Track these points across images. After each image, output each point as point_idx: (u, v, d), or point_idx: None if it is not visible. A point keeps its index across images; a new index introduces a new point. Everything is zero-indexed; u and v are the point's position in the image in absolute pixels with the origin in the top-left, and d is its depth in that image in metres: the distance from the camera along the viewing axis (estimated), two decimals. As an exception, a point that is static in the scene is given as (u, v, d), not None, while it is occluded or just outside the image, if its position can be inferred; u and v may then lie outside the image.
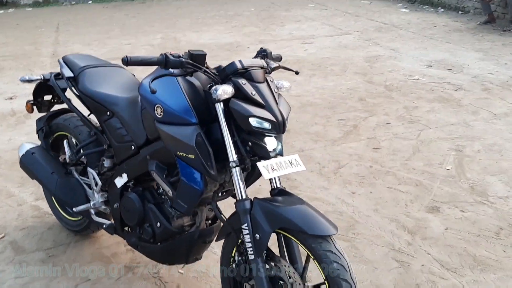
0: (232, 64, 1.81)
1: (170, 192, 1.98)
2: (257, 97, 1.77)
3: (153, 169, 2.03)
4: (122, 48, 7.29)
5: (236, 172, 1.80)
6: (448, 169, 3.45)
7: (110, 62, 2.69)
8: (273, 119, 1.76)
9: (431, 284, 2.33)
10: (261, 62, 1.90)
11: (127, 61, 1.73)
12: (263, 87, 1.82)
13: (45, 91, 2.76)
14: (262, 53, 2.04)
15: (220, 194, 2.07)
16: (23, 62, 6.64)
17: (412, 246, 2.62)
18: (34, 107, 2.77)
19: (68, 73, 2.42)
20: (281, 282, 1.79)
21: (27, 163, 2.57)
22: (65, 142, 2.51)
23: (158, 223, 2.09)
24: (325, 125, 4.30)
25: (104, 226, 2.34)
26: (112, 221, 2.36)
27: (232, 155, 1.79)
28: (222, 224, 1.97)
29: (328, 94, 5.06)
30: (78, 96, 2.40)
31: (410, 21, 8.53)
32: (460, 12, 9.00)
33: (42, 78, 2.64)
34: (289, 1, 11.05)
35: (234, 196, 2.10)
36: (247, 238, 1.77)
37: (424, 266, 2.45)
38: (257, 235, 1.75)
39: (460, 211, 2.93)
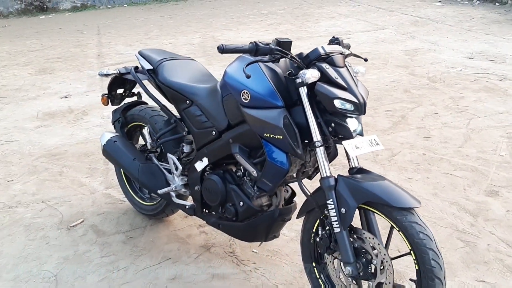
0: (315, 50, 1.94)
1: (255, 172, 2.12)
2: (340, 81, 1.90)
3: (237, 151, 2.17)
4: (163, 48, 7.48)
5: (320, 151, 1.93)
6: (503, 156, 3.51)
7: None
8: (356, 100, 1.89)
9: (499, 262, 2.42)
10: (340, 48, 2.03)
11: (222, 49, 1.88)
12: (344, 71, 1.94)
13: (118, 85, 2.94)
14: (335, 41, 2.16)
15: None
16: (72, 64, 6.91)
17: (475, 227, 2.71)
18: (109, 100, 2.96)
19: (147, 65, 2.59)
20: (366, 253, 1.92)
21: (110, 150, 2.76)
22: (145, 130, 2.69)
23: (241, 202, 2.23)
24: (373, 116, 4.40)
25: (187, 207, 2.51)
26: (193, 202, 2.52)
27: (316, 135, 1.92)
28: (304, 201, 2.10)
29: (372, 86, 5.15)
30: (157, 87, 2.57)
31: (446, 14, 8.52)
32: (497, 4, 8.94)
33: (118, 72, 2.82)
34: (321, -1, 11.14)
35: (309, 178, 2.25)
36: (333, 213, 1.90)
37: (490, 246, 2.54)
38: (342, 209, 1.88)
39: (520, 195, 2.99)
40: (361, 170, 2.02)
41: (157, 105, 2.80)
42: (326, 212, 1.99)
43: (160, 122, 2.72)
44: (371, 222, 1.99)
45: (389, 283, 1.88)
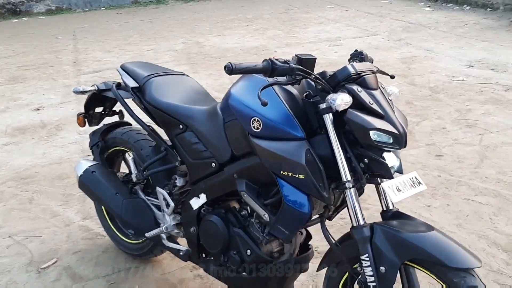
0: (345, 69, 1.57)
1: (267, 216, 1.73)
2: (375, 106, 1.54)
3: (243, 189, 1.78)
4: (144, 54, 7.06)
5: (351, 193, 1.56)
6: (525, 177, 3.19)
7: (171, 69, 2.46)
8: (395, 131, 1.52)
9: (547, 311, 2.08)
10: (371, 65, 1.66)
11: (232, 69, 1.49)
12: (378, 94, 1.58)
13: (96, 103, 2.53)
14: (360, 55, 1.78)
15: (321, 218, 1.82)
16: (46, 72, 6.42)
17: (511, 266, 2.36)
18: (86, 120, 2.54)
19: (132, 82, 2.19)
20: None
21: (88, 183, 2.34)
22: (130, 158, 2.27)
23: (248, 250, 1.84)
24: (377, 131, 4.05)
25: (181, 252, 2.09)
26: (187, 247, 2.11)
27: (346, 174, 1.55)
28: (329, 249, 1.72)
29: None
30: (144, 108, 2.16)
31: (438, 20, 8.27)
32: (488, 9, 8.73)
33: (97, 88, 2.40)
34: (307, 3, 10.81)
35: (329, 218, 1.87)
36: (369, 271, 1.53)
37: (532, 290, 2.20)
38: (382, 268, 1.51)
39: (553, 225, 2.67)
40: (398, 215, 1.65)
41: (136, 127, 2.42)
42: (358, 268, 1.61)
43: (147, 148, 2.31)
44: (411, 277, 1.62)
45: None
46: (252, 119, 1.66)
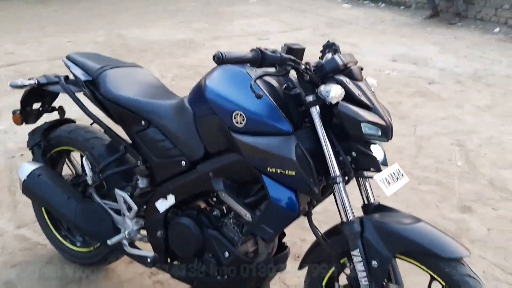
0: (333, 60, 1.53)
1: (248, 215, 1.64)
2: (363, 98, 1.51)
3: (221, 188, 1.68)
4: (63, 47, 6.57)
5: (340, 188, 1.52)
6: (459, 165, 3.38)
7: (118, 59, 2.28)
8: (383, 123, 1.51)
9: (501, 291, 2.20)
10: (353, 57, 1.64)
11: (222, 59, 1.39)
12: (364, 86, 1.56)
13: (34, 99, 2.28)
14: (332, 47, 1.75)
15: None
16: (-51, 65, 5.76)
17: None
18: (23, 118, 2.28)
19: (83, 75, 1.98)
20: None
21: (34, 187, 2.09)
22: (84, 159, 2.05)
23: (226, 252, 1.74)
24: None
25: (148, 259, 1.94)
26: (152, 252, 1.96)
27: (335, 169, 1.51)
28: (313, 247, 1.67)
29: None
30: (98, 103, 1.98)
31: (358, 16, 8.58)
32: (402, 7, 9.22)
33: (36, 82, 2.16)
34: (229, -4, 10.74)
35: (306, 214, 1.82)
36: (360, 267, 1.51)
37: (486, 273, 2.32)
38: (374, 262, 1.49)
39: (492, 209, 2.85)
40: (380, 208, 1.64)
41: (90, 125, 2.22)
42: (348, 264, 1.58)
43: (99, 147, 2.12)
44: (396, 271, 1.62)
45: None
46: (235, 113, 1.57)
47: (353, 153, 1.53)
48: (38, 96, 2.28)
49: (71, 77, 2.08)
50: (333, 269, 1.66)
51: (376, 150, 1.53)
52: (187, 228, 1.80)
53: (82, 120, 2.26)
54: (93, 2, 10.17)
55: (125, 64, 2.13)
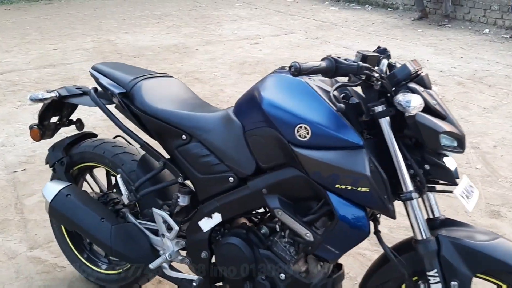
0: (405, 67, 1.44)
1: (309, 235, 1.54)
2: (438, 108, 1.42)
3: (278, 206, 1.57)
4: (50, 54, 6.36)
5: (414, 205, 1.43)
6: (479, 168, 3.33)
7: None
8: (459, 133, 1.42)
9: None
10: (419, 62, 1.55)
11: (299, 70, 1.28)
12: (434, 94, 1.47)
13: (52, 112, 2.14)
14: (386, 53, 1.65)
15: None
16: None
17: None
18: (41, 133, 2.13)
19: (117, 87, 1.85)
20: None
21: (62, 208, 1.93)
22: (118, 177, 1.91)
23: (282, 274, 1.63)
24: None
25: (194, 283, 1.81)
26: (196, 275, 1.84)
27: (408, 184, 1.42)
28: (383, 266, 1.58)
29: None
30: (133, 117, 1.84)
31: (347, 19, 8.56)
32: (389, 9, 9.24)
33: (57, 95, 2.02)
34: (214, 1, 10.61)
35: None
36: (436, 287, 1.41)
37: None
38: (453, 283, 1.41)
39: (521, 213, 2.80)
40: (449, 222, 1.55)
41: (115, 138, 2.09)
42: (423, 285, 1.49)
43: (130, 163, 1.99)
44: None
45: None
46: (298, 126, 1.46)
47: (426, 166, 1.44)
48: (56, 109, 2.13)
49: (99, 89, 1.94)
50: (398, 288, 1.57)
51: (449, 162, 1.45)
52: (237, 248, 1.68)
53: (103, 133, 2.12)
54: (74, 8, 9.92)
55: (156, 74, 2.00)
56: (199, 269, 1.82)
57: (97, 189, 2.23)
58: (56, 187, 1.97)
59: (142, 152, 2.02)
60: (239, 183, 1.67)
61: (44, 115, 2.12)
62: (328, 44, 6.84)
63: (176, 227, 1.81)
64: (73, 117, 2.23)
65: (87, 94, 2.01)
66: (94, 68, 1.99)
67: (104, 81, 1.90)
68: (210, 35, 7.48)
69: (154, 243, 1.89)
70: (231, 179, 1.68)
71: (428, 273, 1.43)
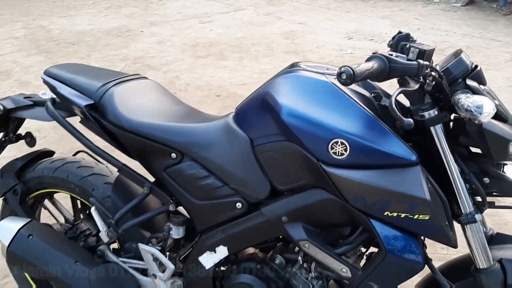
0: (461, 61, 1.18)
1: (347, 270, 1.26)
2: (500, 109, 1.16)
3: (305, 238, 1.28)
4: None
5: (476, 229, 1.18)
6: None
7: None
8: None
9: None
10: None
11: (353, 77, 0.98)
12: (492, 92, 1.22)
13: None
14: (410, 40, 1.37)
15: None
16: None
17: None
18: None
19: (83, 99, 1.46)
20: None
21: (25, 254, 1.53)
22: (93, 210, 1.53)
23: (310, 314, 1.35)
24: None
25: None
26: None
27: (468, 204, 1.17)
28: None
29: (276, 78, 4.46)
30: (105, 134, 1.47)
31: (293, -8, 8.25)
32: (336, -19, 9.01)
33: (1, 108, 1.61)
34: (152, -23, 9.95)
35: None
36: (502, 320, 1.19)
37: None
38: (523, 315, 1.18)
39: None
40: (501, 238, 1.33)
41: (77, 155, 1.72)
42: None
43: (102, 187, 1.62)
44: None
45: None
46: (333, 142, 1.16)
47: (485, 179, 1.19)
48: (1, 123, 1.72)
49: (57, 99, 1.54)
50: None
51: (510, 172, 1.21)
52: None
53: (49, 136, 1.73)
54: (-3, -10, 8.96)
55: (127, 76, 1.61)
56: (202, 312, 1.51)
57: (61, 219, 1.84)
58: (13, 226, 1.56)
59: (115, 170, 1.65)
60: (248, 209, 1.37)
61: (-15, 132, 1.70)
62: (282, 21, 6.52)
63: (171, 266, 1.48)
64: (21, 131, 1.83)
65: (39, 105, 1.62)
66: (47, 73, 1.59)
67: (64, 90, 1.50)
68: (153, 15, 6.95)
69: (143, 285, 1.55)
70: (238, 204, 1.37)
71: (493, 306, 1.20)
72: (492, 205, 1.25)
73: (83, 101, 1.46)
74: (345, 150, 1.16)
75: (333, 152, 1.17)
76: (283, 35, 5.84)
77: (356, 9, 7.01)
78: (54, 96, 1.55)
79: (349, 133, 1.16)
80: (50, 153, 1.82)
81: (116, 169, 1.54)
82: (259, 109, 1.31)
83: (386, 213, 1.16)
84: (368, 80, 1.30)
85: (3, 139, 1.78)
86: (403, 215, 1.15)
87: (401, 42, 1.33)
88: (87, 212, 1.78)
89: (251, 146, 1.32)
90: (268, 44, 5.49)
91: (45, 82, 1.57)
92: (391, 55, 1.08)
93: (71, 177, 1.65)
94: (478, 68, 1.21)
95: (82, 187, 1.63)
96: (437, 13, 6.67)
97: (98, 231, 1.53)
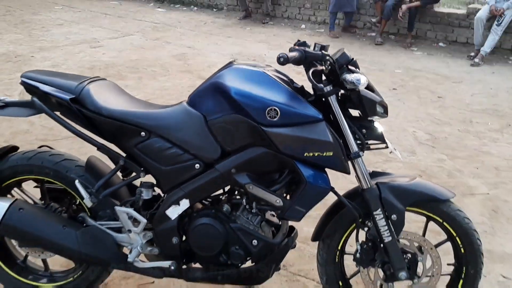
0: (344, 54, 1.79)
1: (279, 201, 1.81)
2: (370, 83, 1.82)
3: (249, 181, 1.81)
4: None
5: (360, 162, 1.82)
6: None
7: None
8: (385, 103, 1.84)
9: None
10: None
11: (287, 60, 1.55)
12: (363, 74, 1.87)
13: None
14: (306, 45, 2.01)
15: None
16: None
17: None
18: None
19: (64, 94, 1.84)
20: (413, 254, 1.92)
21: (18, 224, 1.83)
22: (77, 182, 1.88)
23: (254, 241, 1.88)
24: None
25: (172, 267, 1.91)
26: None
27: (354, 146, 1.80)
28: (335, 215, 1.93)
29: (177, 94, 4.95)
30: (87, 120, 1.87)
31: (179, 20, 8.84)
32: (214, 10, 9.79)
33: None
34: (28, 4, 9.83)
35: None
36: (382, 222, 1.84)
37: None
38: (393, 216, 1.84)
39: None
40: (376, 173, 1.98)
41: (42, 148, 2.07)
42: (369, 223, 1.89)
43: (74, 169, 1.98)
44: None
45: (437, 274, 1.95)
46: (268, 109, 1.71)
47: (363, 130, 1.84)
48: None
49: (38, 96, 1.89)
50: (347, 232, 1.95)
51: (380, 126, 1.87)
52: (211, 227, 1.87)
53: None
54: None
55: (93, 78, 2.01)
56: (170, 254, 1.94)
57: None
58: (2, 204, 1.87)
59: (81, 158, 2.04)
60: (205, 168, 1.86)
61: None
62: (171, 45, 7.03)
63: (144, 220, 1.91)
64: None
65: (10, 105, 1.95)
66: (26, 77, 1.93)
67: (47, 88, 1.87)
68: (40, 40, 7.01)
69: (120, 241, 1.94)
70: (197, 166, 1.85)
71: (374, 212, 1.83)
72: (368, 148, 1.89)
73: (67, 96, 1.83)
74: (277, 114, 1.72)
75: (269, 117, 1.72)
76: (175, 57, 6.35)
77: (236, 35, 7.78)
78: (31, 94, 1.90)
79: (279, 102, 1.72)
80: (16, 148, 2.11)
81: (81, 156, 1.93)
82: (211, 93, 1.81)
83: (306, 154, 1.74)
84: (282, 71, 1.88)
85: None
86: (316, 154, 1.73)
87: (300, 45, 1.95)
88: (55, 194, 2.10)
89: (205, 121, 1.82)
90: (162, 65, 5.96)
91: (25, 83, 1.91)
92: (305, 48, 1.67)
93: (45, 163, 1.98)
94: (354, 59, 1.85)
95: (57, 170, 1.97)
96: (304, 37, 7.70)
97: (82, 198, 1.89)
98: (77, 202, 2.05)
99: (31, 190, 2.11)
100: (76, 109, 1.85)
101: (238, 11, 9.27)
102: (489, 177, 3.43)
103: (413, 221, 2.28)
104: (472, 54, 6.48)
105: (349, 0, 7.46)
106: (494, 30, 6.23)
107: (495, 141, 4.04)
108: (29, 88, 1.93)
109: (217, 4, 9.82)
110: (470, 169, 3.53)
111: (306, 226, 2.37)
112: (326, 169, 1.81)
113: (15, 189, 2.11)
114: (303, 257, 2.53)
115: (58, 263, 2.29)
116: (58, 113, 1.90)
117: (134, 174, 1.94)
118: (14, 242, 2.10)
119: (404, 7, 6.90)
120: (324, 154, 1.74)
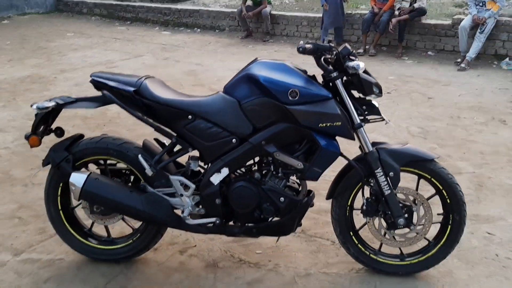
0: (346, 47, 2.30)
1: (300, 165, 2.31)
2: (367, 70, 2.33)
3: (275, 150, 2.30)
4: None
5: (362, 132, 2.32)
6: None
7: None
8: (380, 84, 2.35)
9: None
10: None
11: (305, 50, 2.08)
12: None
13: (43, 122, 2.50)
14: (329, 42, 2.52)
15: None
16: None
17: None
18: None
19: (128, 87, 2.35)
20: (408, 204, 2.41)
21: (96, 190, 2.33)
22: (140, 156, 2.37)
23: (282, 198, 2.36)
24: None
25: (217, 221, 2.40)
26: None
27: (357, 118, 2.30)
28: (346, 177, 2.41)
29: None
30: (146, 108, 2.37)
31: (185, 41, 9.42)
32: (217, 31, 10.39)
33: (55, 104, 2.43)
34: (43, 33, 10.43)
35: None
36: (382, 179, 2.34)
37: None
38: (391, 173, 2.33)
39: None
40: (375, 143, 2.47)
41: (103, 135, 2.56)
42: (373, 181, 2.37)
43: (134, 149, 2.47)
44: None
45: (429, 221, 2.43)
46: (290, 91, 2.22)
47: (364, 107, 2.34)
48: (45, 119, 2.49)
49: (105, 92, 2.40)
50: (355, 190, 2.44)
51: (376, 103, 2.37)
52: (246, 189, 2.36)
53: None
54: None
55: (146, 75, 2.52)
56: (212, 214, 2.42)
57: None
58: (81, 175, 2.37)
59: (138, 142, 2.54)
60: (240, 142, 2.35)
61: (39, 124, 2.46)
62: (180, 63, 7.58)
63: (192, 186, 2.40)
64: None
65: (80, 100, 2.46)
66: (95, 76, 2.44)
67: (114, 84, 2.38)
68: (60, 64, 7.56)
69: (174, 203, 2.43)
70: (234, 140, 2.35)
71: (375, 171, 2.32)
72: (368, 121, 2.39)
73: (130, 88, 2.35)
74: (297, 94, 2.22)
75: (291, 97, 2.23)
76: (186, 73, 6.89)
77: (240, 52, 8.35)
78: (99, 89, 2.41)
79: (298, 85, 2.23)
80: (82, 136, 2.61)
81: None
82: (243, 82, 2.32)
83: (320, 125, 2.24)
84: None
85: (46, 129, 2.53)
86: (328, 124, 2.24)
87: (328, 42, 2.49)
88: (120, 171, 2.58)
89: (239, 105, 2.32)
90: (176, 81, 6.48)
91: (96, 81, 2.42)
92: (315, 41, 2.19)
93: (110, 146, 2.47)
94: (354, 51, 2.36)
95: (120, 151, 2.46)
96: (305, 52, 8.26)
97: (143, 170, 2.38)
98: (132, 179, 2.55)
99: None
100: (138, 99, 2.35)
101: (239, 31, 9.87)
102: (475, 159, 3.92)
103: (408, 182, 2.77)
104: (459, 60, 7.03)
105: (335, 16, 8.09)
106: (477, 37, 6.80)
107: (480, 131, 4.55)
108: (97, 85, 2.43)
109: (219, 25, 10.42)
110: (458, 154, 4.02)
111: (318, 201, 2.85)
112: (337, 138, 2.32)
113: (83, 169, 2.60)
114: (318, 223, 3.01)
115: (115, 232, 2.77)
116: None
117: (180, 152, 2.44)
118: (84, 212, 2.58)
119: (394, 20, 7.49)
120: (335, 123, 2.24)
